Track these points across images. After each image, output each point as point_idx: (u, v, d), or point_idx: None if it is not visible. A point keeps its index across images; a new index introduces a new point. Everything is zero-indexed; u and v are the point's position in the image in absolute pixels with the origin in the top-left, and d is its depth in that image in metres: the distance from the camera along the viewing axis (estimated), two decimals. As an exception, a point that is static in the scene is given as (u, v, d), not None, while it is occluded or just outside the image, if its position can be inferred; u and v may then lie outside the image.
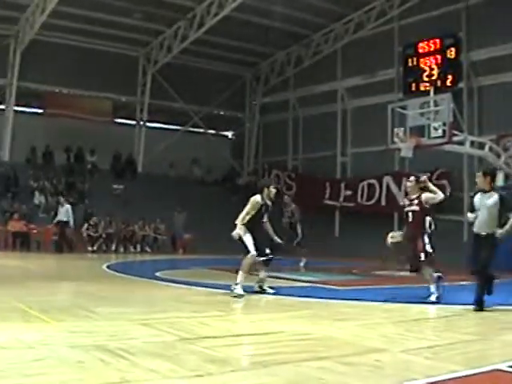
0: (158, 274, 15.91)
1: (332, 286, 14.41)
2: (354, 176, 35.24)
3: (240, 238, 12.40)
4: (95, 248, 28.92)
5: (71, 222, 27.23)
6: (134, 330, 7.76)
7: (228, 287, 12.26)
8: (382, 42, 33.11)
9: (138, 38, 35.57)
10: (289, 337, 7.72)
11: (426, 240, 11.93)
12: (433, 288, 11.70)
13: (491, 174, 11.00)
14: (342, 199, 34.84)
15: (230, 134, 43.52)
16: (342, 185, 35.14)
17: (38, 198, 31.52)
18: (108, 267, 18.85)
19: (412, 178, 12.33)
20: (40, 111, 35.55)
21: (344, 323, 8.93)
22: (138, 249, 30.14)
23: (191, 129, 40.43)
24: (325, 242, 29.77)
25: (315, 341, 7.41)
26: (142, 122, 38.08)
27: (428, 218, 12.34)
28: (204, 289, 13.14)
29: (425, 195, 12.02)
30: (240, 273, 12.02)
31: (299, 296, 12.32)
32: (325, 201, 35.34)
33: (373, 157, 32.71)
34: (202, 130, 40.80)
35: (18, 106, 34.29)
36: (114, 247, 29.89)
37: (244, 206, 12.60)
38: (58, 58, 33.63)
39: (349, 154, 36.01)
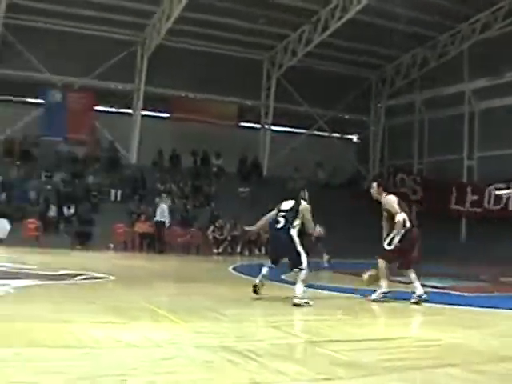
0: (283, 276, 15.85)
1: (459, 293, 13.95)
2: (481, 180, 34.30)
3: None
4: (220, 250, 29.27)
5: (167, 222, 27.64)
6: (261, 331, 7.72)
7: (353, 291, 12.08)
8: (509, 42, 31.99)
9: (262, 43, 35.80)
10: (416, 342, 7.49)
11: None
12: None
13: None
14: (468, 204, 33.97)
15: (354, 137, 43.19)
16: (469, 189, 34.26)
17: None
18: (234, 269, 18.98)
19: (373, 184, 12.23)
20: (166, 115, 36.31)
21: (473, 331, 8.58)
22: (263, 251, 30.23)
23: (316, 132, 40.36)
24: (447, 248, 29.03)
25: (443, 347, 7.14)
26: (266, 126, 38.28)
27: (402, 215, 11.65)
28: (330, 292, 12.99)
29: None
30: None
31: (424, 302, 11.99)
32: (451, 206, 34.56)
33: (501, 160, 31.72)
34: (326, 134, 40.67)
35: (145, 110, 35.16)
36: (239, 249, 30.14)
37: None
38: (184, 63, 34.23)
39: (475, 157, 35.11)
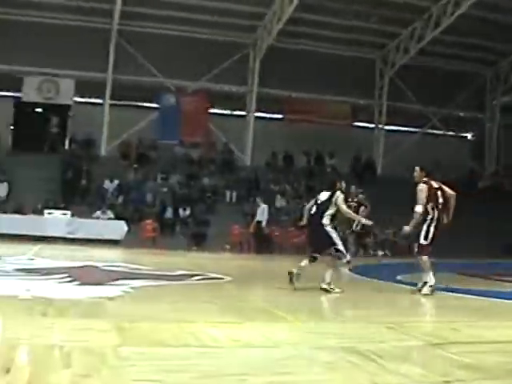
0: (399, 277, 15.63)
1: None
2: None
3: None
4: (335, 251, 29.10)
5: (264, 222, 27.64)
6: (380, 332, 7.62)
7: (483, 293, 11.82)
8: None
9: (374, 41, 35.52)
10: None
11: None
12: None
13: None
14: None
15: (469, 135, 42.21)
16: None
17: (280, 201, 32.30)
18: (350, 270, 18.86)
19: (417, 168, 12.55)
20: (280, 116, 36.46)
21: None
22: (379, 252, 29.94)
23: (429, 130, 39.70)
24: None
25: None
26: (380, 125, 37.93)
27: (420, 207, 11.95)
28: (452, 294, 12.68)
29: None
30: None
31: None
32: None
33: None
34: (440, 132, 39.93)
35: (258, 111, 35.43)
36: (353, 249, 29.88)
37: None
38: (296, 64, 34.26)
39: None
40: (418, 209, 11.89)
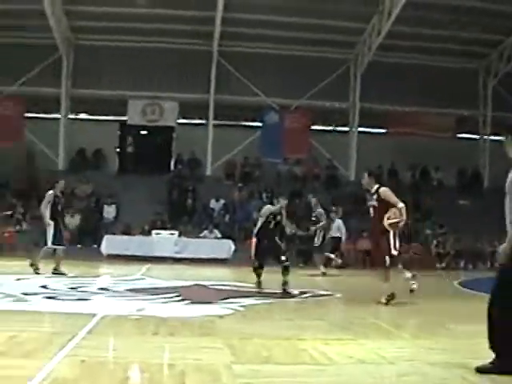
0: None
1: None
2: None
3: None
4: (444, 265, 28.59)
5: (343, 237, 27.07)
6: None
7: None
8: None
9: (476, 51, 34.72)
10: None
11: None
12: None
13: None
14: None
15: None
16: None
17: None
18: (460, 284, 18.44)
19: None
20: (382, 131, 36.10)
21: None
22: (488, 265, 29.15)
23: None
24: None
25: None
26: (485, 136, 37.02)
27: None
28: None
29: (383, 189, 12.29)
30: None
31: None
32: None
33: None
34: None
35: (360, 126, 35.19)
36: (462, 264, 29.30)
37: None
38: (397, 78, 33.77)
39: None
40: (402, 204, 12.04)
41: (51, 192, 17.65)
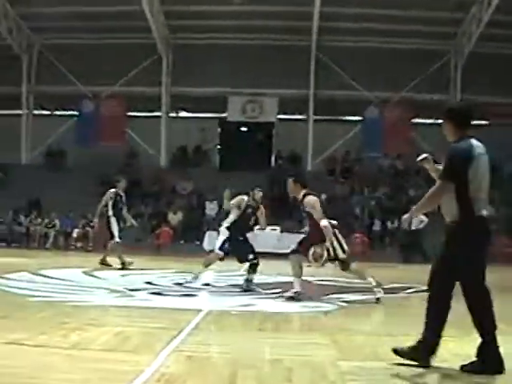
0: None
1: None
2: None
3: None
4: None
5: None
6: None
7: None
8: None
9: None
10: None
11: None
12: None
13: None
14: None
15: None
16: None
17: (489, 209, 31.15)
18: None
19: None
20: (484, 122, 35.18)
21: None
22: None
23: None
24: None
25: None
26: None
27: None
28: None
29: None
30: None
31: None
32: None
33: None
34: None
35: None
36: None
37: None
38: (498, 68, 32.84)
39: None
40: (325, 222, 11.17)
41: (113, 190, 18.01)
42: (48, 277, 13.04)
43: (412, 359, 5.95)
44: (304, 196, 11.29)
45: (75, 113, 35.17)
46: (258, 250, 22.05)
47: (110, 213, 17.60)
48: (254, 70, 33.14)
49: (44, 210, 30.20)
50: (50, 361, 5.84)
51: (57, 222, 28.67)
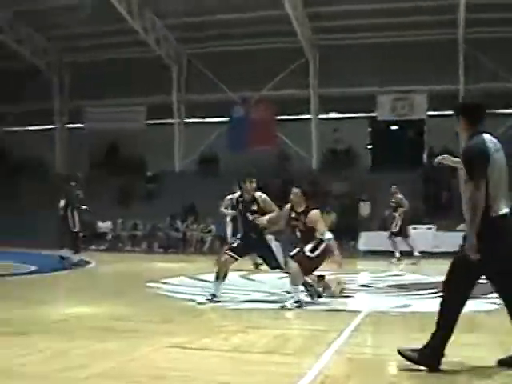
0: None
1: None
2: None
3: None
4: None
5: None
6: None
7: None
8: None
9: None
10: None
11: None
12: None
13: None
14: None
15: None
16: None
17: None
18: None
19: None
20: None
21: None
22: None
23: None
24: None
25: None
26: None
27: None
28: None
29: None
30: None
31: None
32: None
33: None
34: None
35: None
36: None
37: None
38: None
39: None
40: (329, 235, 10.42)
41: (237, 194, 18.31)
42: (206, 281, 13.29)
43: None
44: (306, 209, 10.61)
45: (226, 119, 35.81)
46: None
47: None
48: (401, 67, 32.46)
49: (200, 216, 30.90)
50: (213, 363, 5.96)
51: (213, 227, 29.23)
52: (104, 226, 30.41)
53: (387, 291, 12.65)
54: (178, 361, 6.07)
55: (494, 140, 5.98)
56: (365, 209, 30.69)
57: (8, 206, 31.17)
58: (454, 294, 5.89)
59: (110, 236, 29.92)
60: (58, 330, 7.95)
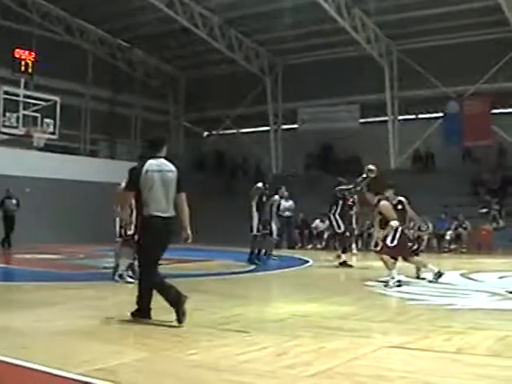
0: None
1: None
2: None
3: None
4: None
5: None
6: None
7: None
8: None
9: None
10: None
11: None
12: None
13: None
14: None
15: None
16: None
17: None
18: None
19: None
20: None
21: None
22: None
23: None
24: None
25: None
26: None
27: None
28: None
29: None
30: None
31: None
32: None
33: None
34: None
35: None
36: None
37: None
38: None
39: None
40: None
41: (276, 197, 20.10)
42: (425, 280, 13.09)
43: None
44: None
45: (440, 114, 35.19)
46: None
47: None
48: (461, 68, 32.17)
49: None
50: (436, 365, 5.88)
51: (429, 224, 28.68)
52: (321, 225, 30.67)
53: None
54: (400, 362, 6.03)
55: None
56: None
57: (227, 207, 32.24)
58: None
59: (326, 235, 30.12)
60: (279, 328, 8.16)
